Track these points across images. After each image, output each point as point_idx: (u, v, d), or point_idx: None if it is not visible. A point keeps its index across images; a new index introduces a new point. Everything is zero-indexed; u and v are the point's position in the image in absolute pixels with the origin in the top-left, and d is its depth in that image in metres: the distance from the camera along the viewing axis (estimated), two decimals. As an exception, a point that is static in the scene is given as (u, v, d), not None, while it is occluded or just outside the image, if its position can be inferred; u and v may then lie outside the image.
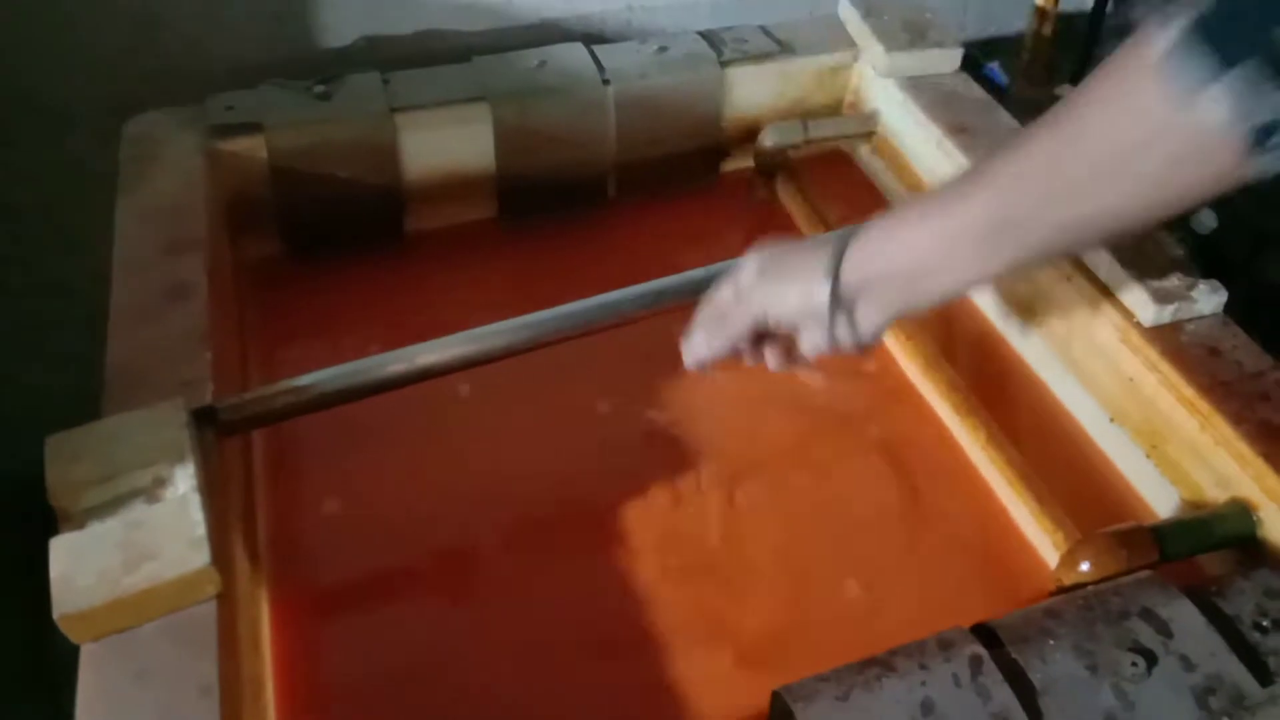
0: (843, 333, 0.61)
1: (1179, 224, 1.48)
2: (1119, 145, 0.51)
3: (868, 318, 0.61)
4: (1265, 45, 0.45)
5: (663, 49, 1.05)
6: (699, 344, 0.68)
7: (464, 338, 0.74)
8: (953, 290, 0.60)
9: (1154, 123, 0.49)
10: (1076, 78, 1.41)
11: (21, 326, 1.18)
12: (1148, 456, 0.78)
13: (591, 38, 1.16)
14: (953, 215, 0.56)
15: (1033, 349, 0.89)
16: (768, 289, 0.63)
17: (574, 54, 1.03)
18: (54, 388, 1.04)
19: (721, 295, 0.67)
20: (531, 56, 1.02)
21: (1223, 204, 1.49)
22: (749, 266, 0.65)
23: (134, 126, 0.92)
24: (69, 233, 1.12)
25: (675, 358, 0.70)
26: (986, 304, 0.94)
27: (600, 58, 1.03)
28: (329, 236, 0.98)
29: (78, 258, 1.01)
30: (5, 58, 0.99)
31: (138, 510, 0.58)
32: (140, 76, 1.04)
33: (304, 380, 0.69)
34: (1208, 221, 1.47)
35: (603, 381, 0.89)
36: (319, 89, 0.95)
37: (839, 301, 0.60)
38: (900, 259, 0.59)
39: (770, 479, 0.82)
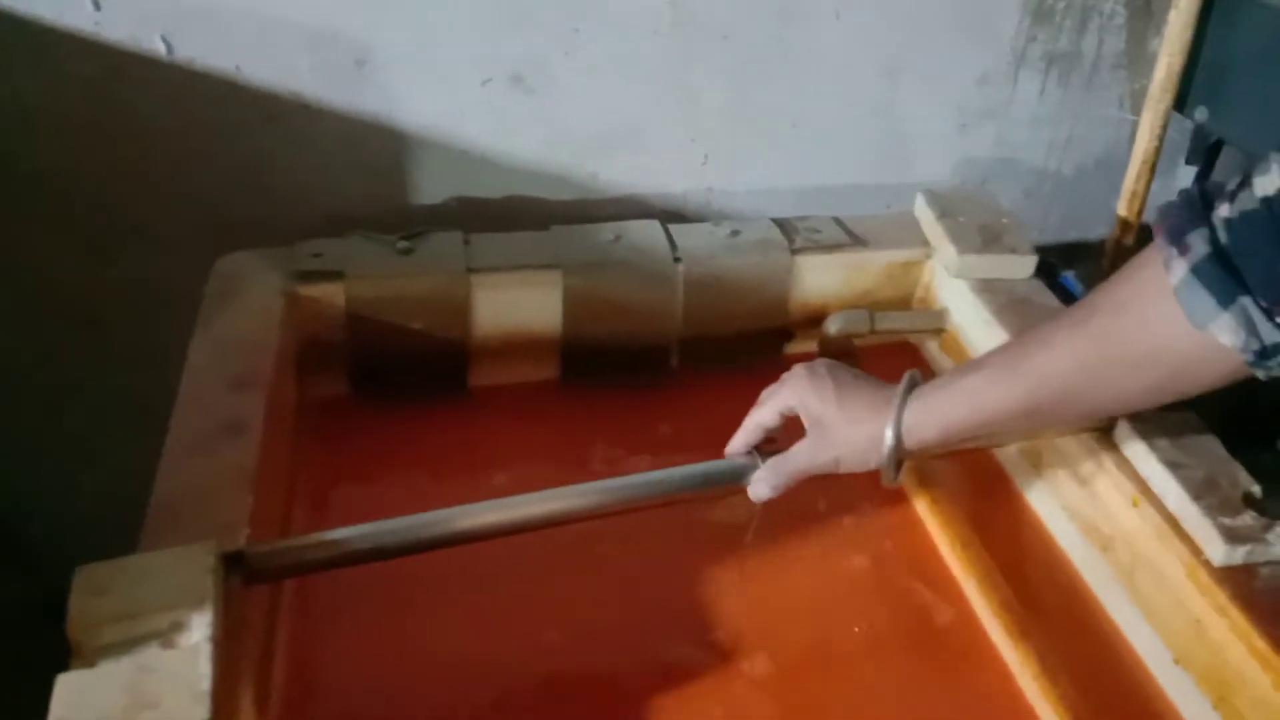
0: (889, 475, 0.74)
1: (1269, 445, 1.42)
2: (1140, 349, 0.62)
3: (905, 466, 0.75)
4: (1260, 286, 0.56)
5: (735, 233, 1.07)
6: (763, 483, 0.77)
7: (502, 505, 0.73)
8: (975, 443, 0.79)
9: (1171, 335, 0.60)
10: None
11: (93, 433, 1.22)
12: (1215, 708, 0.72)
13: (671, 215, 1.20)
14: (991, 401, 0.69)
15: (1097, 574, 0.84)
16: (838, 432, 0.74)
17: (649, 230, 1.06)
18: (114, 495, 1.06)
19: (776, 408, 0.78)
20: (608, 230, 1.05)
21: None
22: (810, 393, 0.76)
23: (224, 264, 0.97)
24: (154, 351, 1.16)
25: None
26: (1056, 525, 0.90)
27: (674, 236, 1.05)
28: (396, 384, 1.00)
29: (158, 376, 1.05)
30: (118, 189, 1.07)
31: (150, 654, 0.57)
32: (243, 215, 1.11)
33: (338, 534, 0.69)
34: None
35: (636, 557, 0.87)
36: (402, 244, 0.99)
37: (894, 454, 0.72)
38: (946, 429, 0.72)
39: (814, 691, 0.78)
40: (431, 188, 1.15)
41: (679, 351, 1.08)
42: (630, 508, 0.77)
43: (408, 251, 0.99)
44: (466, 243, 1.01)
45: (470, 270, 0.98)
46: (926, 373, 1.09)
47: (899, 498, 0.95)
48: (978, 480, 0.96)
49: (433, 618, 0.81)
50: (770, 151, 1.25)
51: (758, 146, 1.24)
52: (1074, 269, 1.10)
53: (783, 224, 1.10)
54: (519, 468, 0.95)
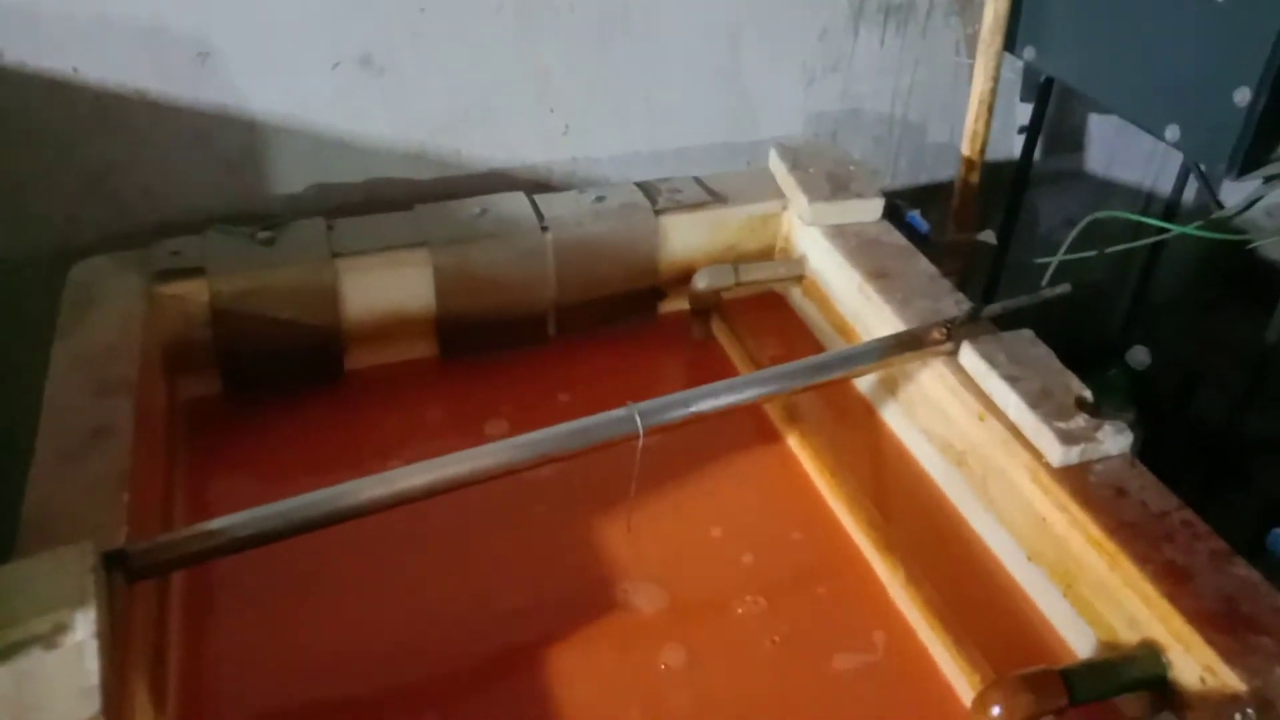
0: None
1: (1116, 360, 1.53)
2: None
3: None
4: None
5: (600, 198, 1.10)
6: None
7: (384, 478, 0.74)
8: None
9: None
10: (1003, 226, 1.48)
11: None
12: (1064, 596, 0.79)
13: (538, 186, 1.22)
14: None
15: (954, 486, 0.91)
16: None
17: (515, 202, 1.08)
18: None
19: None
20: (474, 204, 1.06)
21: (1156, 346, 1.54)
22: None
23: (79, 272, 0.95)
24: (10, 376, 1.13)
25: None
26: (913, 443, 0.96)
27: (540, 206, 1.07)
28: (270, 376, 0.99)
29: (18, 400, 1.02)
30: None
31: (32, 659, 0.57)
32: (93, 226, 1.08)
33: (218, 523, 0.70)
34: (1143, 359, 1.52)
35: (537, 522, 0.90)
36: (263, 235, 0.99)
37: None
38: None
39: (708, 618, 0.82)
40: (289, 177, 1.14)
41: (555, 318, 1.10)
42: (517, 469, 0.79)
43: (269, 242, 0.98)
44: (330, 228, 1.01)
45: (336, 255, 0.98)
46: (792, 317, 1.16)
47: (771, 436, 0.99)
48: (842, 411, 1.02)
49: (328, 601, 0.82)
50: (628, 118, 1.28)
51: (615, 114, 1.27)
52: (921, 209, 1.16)
53: (646, 187, 1.13)
54: (404, 448, 0.96)
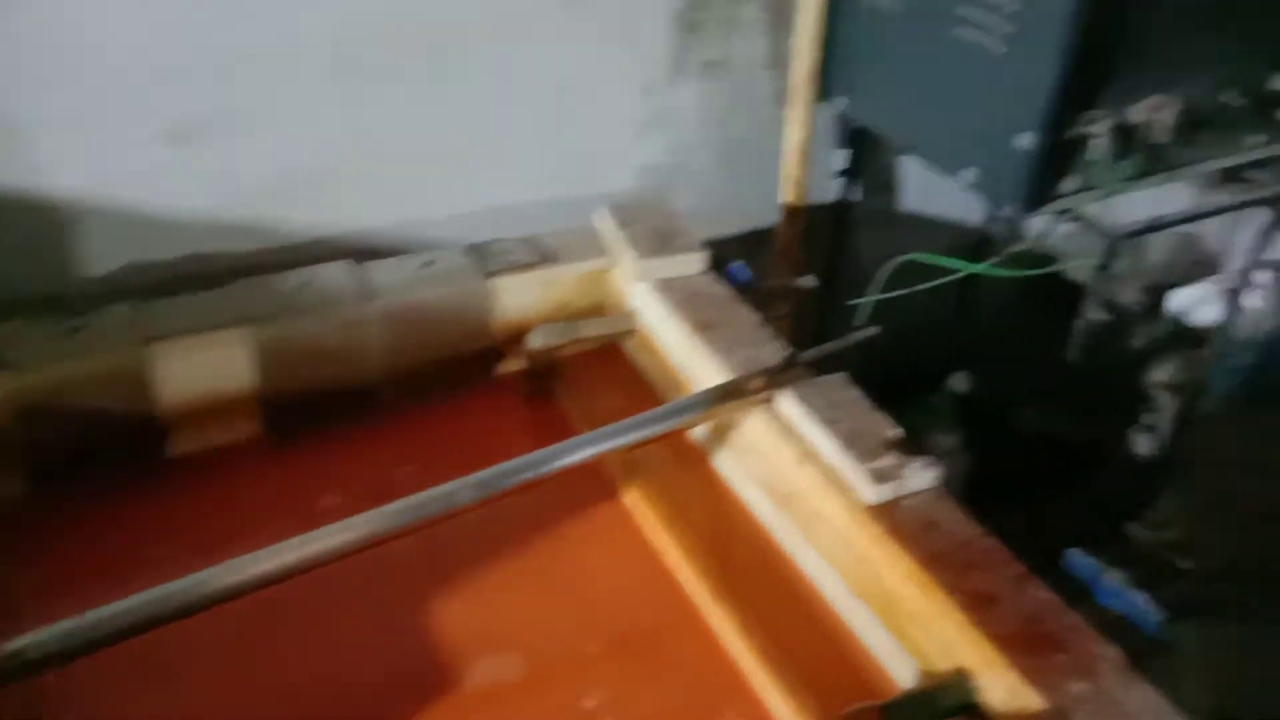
0: None
1: (937, 387, 1.61)
2: None
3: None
4: None
5: (429, 263, 1.10)
6: None
7: (203, 578, 0.72)
8: None
9: None
10: (827, 268, 1.54)
11: None
12: (887, 629, 0.82)
13: (367, 253, 1.20)
14: None
15: (783, 530, 0.94)
16: None
17: (338, 272, 1.06)
18: None
19: None
20: (295, 277, 1.05)
21: (976, 366, 1.63)
22: None
23: None
24: None
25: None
26: (744, 489, 0.99)
27: (366, 274, 1.06)
28: (83, 471, 0.95)
29: None
30: None
31: None
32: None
33: (17, 645, 0.66)
34: (963, 384, 1.61)
35: (387, 598, 0.88)
36: (70, 323, 0.95)
37: None
38: None
39: (555, 683, 0.82)
40: (100, 258, 1.10)
41: (388, 388, 1.09)
42: (345, 554, 0.78)
43: (76, 330, 0.94)
44: (142, 311, 0.97)
45: (149, 339, 0.95)
46: (628, 371, 1.18)
47: (610, 492, 1.01)
48: (679, 462, 1.04)
49: (173, 697, 0.79)
50: (458, 179, 1.28)
51: (444, 176, 1.27)
52: (745, 256, 1.20)
53: (476, 249, 1.14)
54: (234, 534, 0.92)
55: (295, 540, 0.76)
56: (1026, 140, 1.11)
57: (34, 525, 0.91)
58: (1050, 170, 1.14)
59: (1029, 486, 1.46)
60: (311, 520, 0.81)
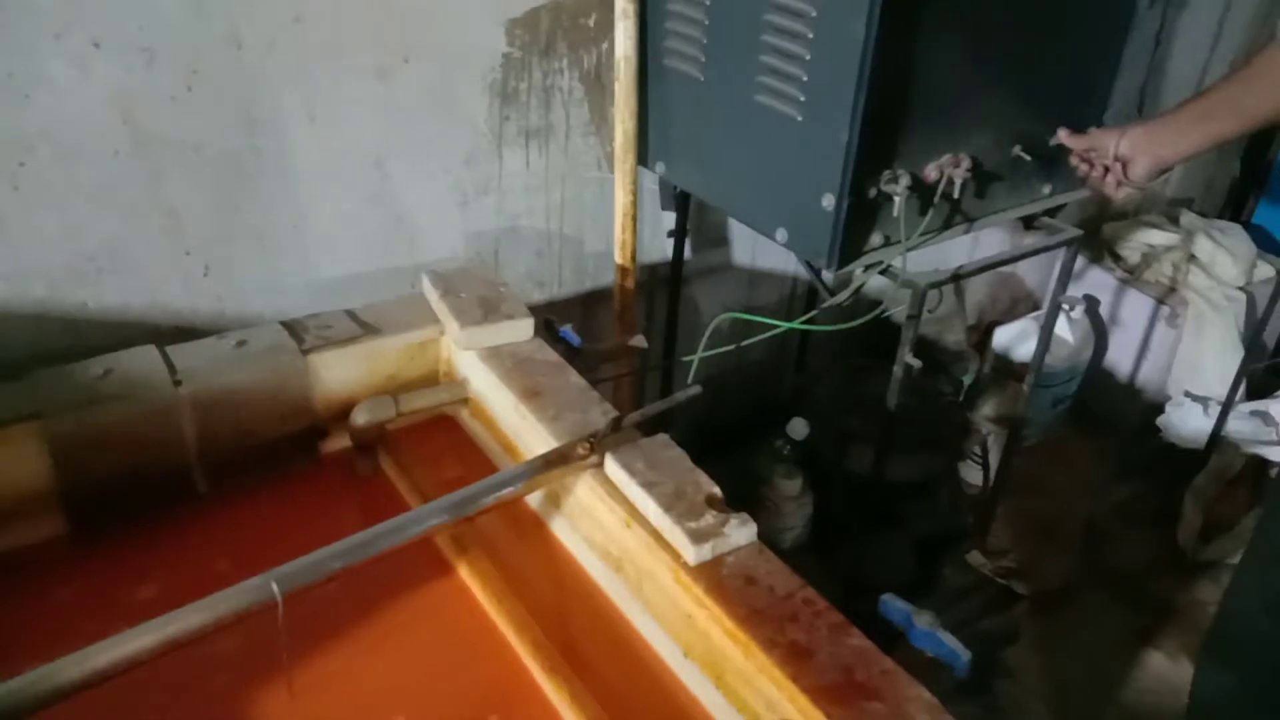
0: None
1: (780, 433, 1.66)
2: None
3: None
4: None
5: (242, 343, 1.06)
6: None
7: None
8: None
9: None
10: (665, 325, 1.58)
11: None
12: (717, 688, 0.83)
13: (182, 332, 1.16)
14: (1197, 132, 1.18)
15: (617, 592, 0.94)
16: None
17: (144, 356, 1.02)
18: None
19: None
20: (97, 365, 0.99)
21: (813, 412, 1.69)
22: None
23: None
24: None
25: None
26: (579, 552, 0.99)
27: (173, 358, 1.02)
28: None
29: None
30: None
31: None
32: None
33: None
34: (801, 430, 1.66)
35: (216, 694, 0.84)
36: None
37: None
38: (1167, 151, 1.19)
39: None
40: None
41: (203, 474, 1.04)
42: (146, 658, 0.73)
43: None
44: (-80, 410, 0.91)
45: (-72, 441, 0.88)
46: (464, 439, 1.17)
47: (443, 567, 0.99)
48: (516, 529, 1.03)
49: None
50: (276, 253, 1.25)
51: (261, 250, 1.24)
52: (584, 315, 1.21)
53: (292, 325, 1.11)
54: (35, 643, 0.87)
55: (84, 652, 0.71)
56: (829, 201, 1.16)
57: None
58: (854, 227, 1.20)
59: (867, 522, 1.51)
60: (128, 616, 0.77)
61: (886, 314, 1.52)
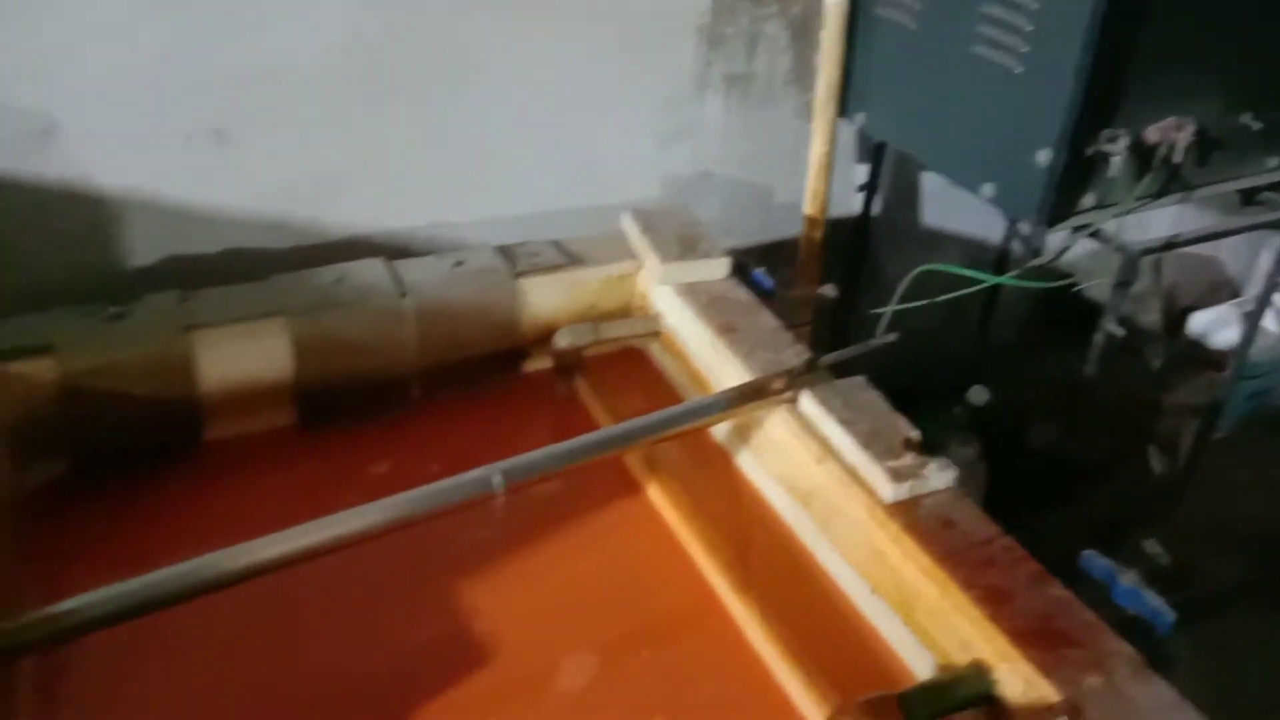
0: None
1: (955, 398, 1.63)
2: None
3: None
4: None
5: (460, 263, 1.13)
6: None
7: (237, 551, 0.74)
8: None
9: None
10: (847, 279, 1.57)
11: None
12: (904, 623, 0.84)
13: (399, 252, 1.23)
14: None
15: (802, 525, 0.96)
16: None
17: (372, 269, 1.09)
18: None
19: None
20: (330, 273, 1.08)
21: (994, 382, 1.65)
22: None
23: (-87, 353, 0.91)
24: None
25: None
26: (764, 486, 1.01)
27: (399, 272, 1.09)
28: (124, 454, 0.97)
29: None
30: None
31: None
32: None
33: (65, 606, 0.68)
34: (981, 396, 1.62)
35: (403, 587, 0.91)
36: (114, 310, 0.98)
37: None
38: None
39: (570, 673, 0.84)
40: (141, 250, 1.13)
41: (418, 382, 1.11)
42: (377, 533, 0.80)
43: (120, 317, 0.97)
44: (184, 301, 1.01)
45: (189, 328, 0.98)
46: (652, 372, 1.20)
47: (633, 486, 1.03)
48: (700, 459, 1.06)
49: (192, 674, 0.81)
50: (487, 184, 1.32)
51: (471, 183, 1.30)
52: (767, 265, 1.23)
53: (505, 250, 1.17)
54: (264, 519, 0.94)
55: (318, 522, 0.78)
56: (1045, 156, 1.13)
57: (74, 503, 0.94)
58: (1068, 186, 1.16)
59: (1042, 499, 1.47)
60: (353, 494, 0.85)
61: (1078, 288, 1.47)
